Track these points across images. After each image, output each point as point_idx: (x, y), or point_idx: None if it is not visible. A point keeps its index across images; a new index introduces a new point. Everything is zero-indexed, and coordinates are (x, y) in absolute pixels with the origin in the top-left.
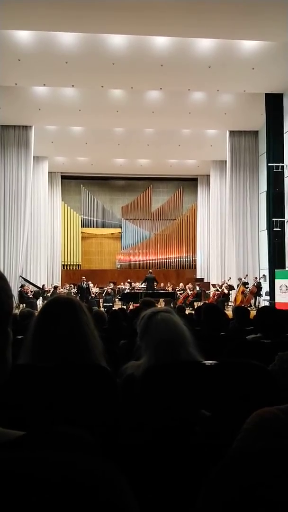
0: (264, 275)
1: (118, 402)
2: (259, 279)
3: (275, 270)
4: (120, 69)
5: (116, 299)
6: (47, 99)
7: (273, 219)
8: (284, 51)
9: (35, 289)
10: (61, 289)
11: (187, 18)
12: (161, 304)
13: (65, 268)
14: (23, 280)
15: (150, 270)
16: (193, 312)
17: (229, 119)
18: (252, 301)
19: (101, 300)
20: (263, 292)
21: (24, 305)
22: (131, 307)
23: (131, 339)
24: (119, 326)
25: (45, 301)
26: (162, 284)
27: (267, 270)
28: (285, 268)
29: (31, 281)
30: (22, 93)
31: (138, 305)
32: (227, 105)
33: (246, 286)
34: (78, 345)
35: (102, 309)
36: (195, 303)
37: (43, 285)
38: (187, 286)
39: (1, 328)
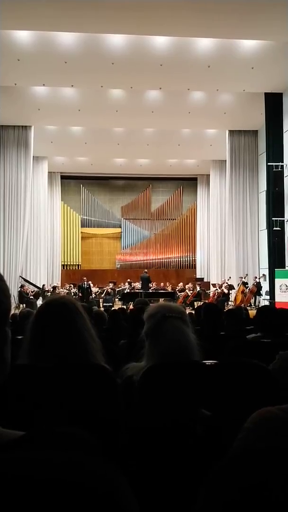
0: (264, 275)
1: (119, 402)
2: (259, 278)
3: (275, 269)
4: (120, 69)
5: (116, 299)
6: (47, 99)
7: (273, 218)
8: (284, 50)
9: (35, 289)
10: (61, 289)
11: (186, 18)
12: None
13: (65, 268)
14: (22, 280)
15: (145, 270)
16: (193, 311)
17: (228, 119)
18: (252, 301)
19: (101, 300)
20: (263, 291)
21: (24, 305)
22: (131, 307)
23: (131, 339)
24: (119, 326)
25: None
26: (162, 284)
27: (267, 270)
28: (285, 268)
29: (31, 281)
30: (22, 93)
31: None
32: (226, 104)
33: (246, 285)
34: (75, 346)
35: (101, 309)
36: (195, 303)
37: (43, 285)
38: (187, 286)
39: None
